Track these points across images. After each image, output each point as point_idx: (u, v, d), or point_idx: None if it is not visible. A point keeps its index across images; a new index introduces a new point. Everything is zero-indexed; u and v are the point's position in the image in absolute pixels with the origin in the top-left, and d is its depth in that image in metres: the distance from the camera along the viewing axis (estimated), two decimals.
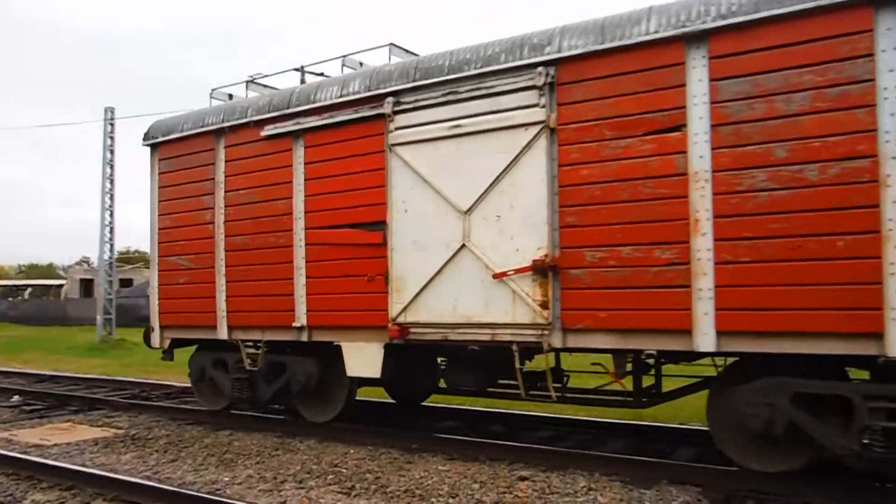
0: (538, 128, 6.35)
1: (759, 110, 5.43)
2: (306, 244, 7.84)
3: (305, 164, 7.88)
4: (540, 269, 6.27)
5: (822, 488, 5.64)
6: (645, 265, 5.85)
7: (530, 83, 6.38)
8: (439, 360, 8.19)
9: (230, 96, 9.58)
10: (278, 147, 8.09)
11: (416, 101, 7.08)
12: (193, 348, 9.58)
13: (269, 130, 8.14)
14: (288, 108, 8.01)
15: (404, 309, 7.09)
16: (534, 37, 6.51)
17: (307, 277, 7.82)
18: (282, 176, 8.06)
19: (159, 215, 9.28)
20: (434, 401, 9.91)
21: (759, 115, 5.43)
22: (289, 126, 7.96)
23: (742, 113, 5.48)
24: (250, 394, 8.55)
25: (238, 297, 8.39)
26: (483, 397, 7.96)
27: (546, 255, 6.27)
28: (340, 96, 7.60)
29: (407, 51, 8.13)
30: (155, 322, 9.30)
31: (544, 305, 6.27)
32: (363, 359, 7.46)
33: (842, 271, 5.09)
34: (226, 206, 8.55)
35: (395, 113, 7.17)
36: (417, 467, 6.78)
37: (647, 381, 6.86)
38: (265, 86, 9.28)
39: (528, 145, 6.41)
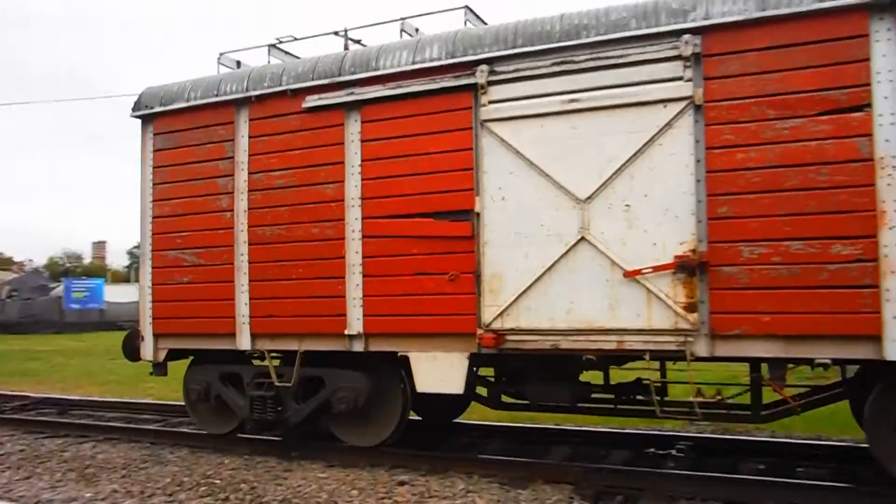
0: (682, 104, 5.49)
1: None
2: (363, 237, 6.57)
3: (363, 141, 6.63)
4: (687, 267, 5.40)
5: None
6: (820, 262, 5.09)
7: (673, 53, 5.50)
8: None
9: (238, 64, 8.10)
10: (325, 121, 6.80)
11: (516, 70, 6.04)
12: (187, 360, 7.98)
13: (312, 101, 6.82)
14: (339, 75, 6.73)
15: (502, 312, 6.02)
16: (671, 1, 5.61)
17: (364, 276, 6.58)
18: (330, 155, 6.77)
19: (153, 201, 7.70)
20: None
21: None
22: (341, 96, 6.69)
23: None
24: (276, 414, 7.15)
25: (266, 300, 7.00)
26: (569, 413, 6.97)
27: (693, 251, 5.39)
28: (413, 63, 6.42)
29: (481, 18, 7.02)
30: (146, 330, 7.71)
31: (690, 308, 5.40)
32: (439, 371, 6.32)
33: None
34: (250, 191, 7.13)
35: (491, 84, 6.07)
36: (295, 475, 6.62)
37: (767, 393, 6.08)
38: (287, 52, 7.89)
39: (669, 124, 5.54)
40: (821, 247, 5.15)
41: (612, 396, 6.53)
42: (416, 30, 7.35)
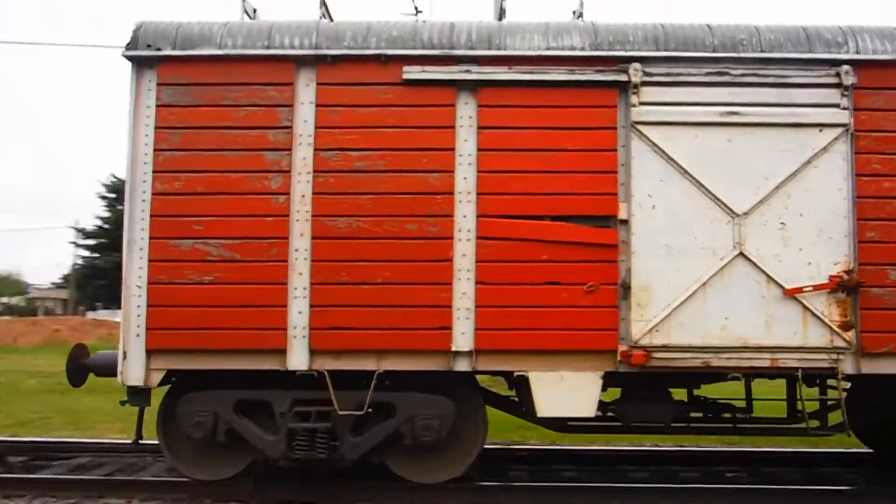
0: (838, 131, 5.83)
1: None
2: (478, 238, 5.78)
3: (480, 128, 5.85)
4: (845, 287, 5.68)
5: None
6: None
7: (833, 81, 5.82)
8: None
9: (252, 13, 6.70)
10: (430, 98, 5.89)
11: (668, 74, 5.88)
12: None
13: (414, 73, 5.86)
14: (452, 48, 5.88)
15: (651, 329, 5.71)
16: (824, 31, 5.97)
17: (478, 283, 5.76)
18: (435, 139, 5.87)
19: (155, 172, 5.88)
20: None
21: None
22: (454, 73, 5.86)
23: None
24: (328, 451, 5.88)
25: (333, 308, 5.76)
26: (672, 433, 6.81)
27: (848, 272, 5.71)
28: (547, 48, 5.88)
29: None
30: (130, 343, 5.82)
31: (845, 327, 5.69)
32: (567, 393, 5.78)
33: None
34: (316, 172, 5.83)
35: (644, 84, 5.82)
36: None
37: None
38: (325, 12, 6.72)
39: (825, 149, 5.82)
40: None
41: (701, 415, 6.46)
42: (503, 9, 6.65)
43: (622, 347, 5.66)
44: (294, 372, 5.72)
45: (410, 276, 5.70)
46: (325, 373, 5.74)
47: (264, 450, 5.89)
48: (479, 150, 5.80)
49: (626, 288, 5.70)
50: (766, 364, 5.67)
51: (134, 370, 5.75)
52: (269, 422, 5.86)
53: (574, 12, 6.37)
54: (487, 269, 5.72)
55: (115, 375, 5.93)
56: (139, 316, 5.75)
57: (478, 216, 5.75)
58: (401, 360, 5.75)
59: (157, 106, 5.87)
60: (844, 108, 5.78)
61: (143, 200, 5.83)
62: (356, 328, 5.68)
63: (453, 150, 5.78)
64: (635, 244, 5.72)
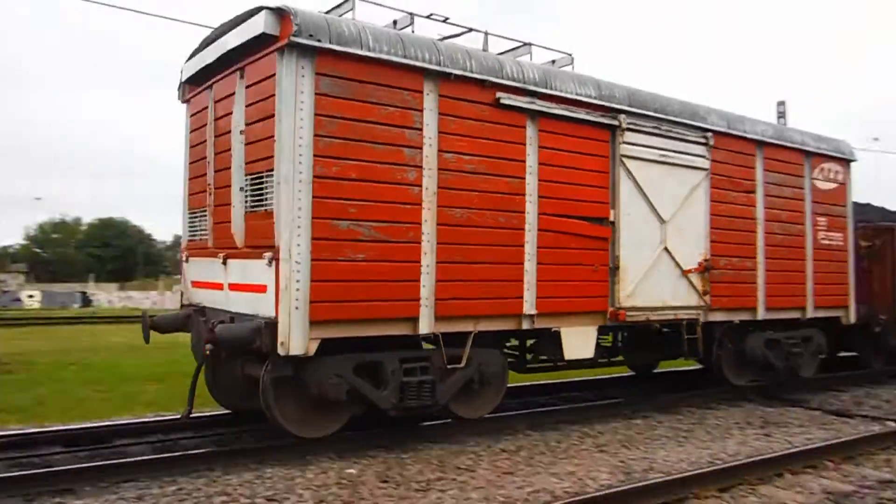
0: (705, 173, 9.96)
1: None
2: (538, 229, 8.42)
3: (539, 147, 8.43)
4: (705, 269, 9.92)
5: None
6: (746, 269, 10.45)
7: (703, 141, 9.91)
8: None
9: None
10: (512, 119, 8.08)
11: (636, 124, 9.17)
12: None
13: (504, 98, 8.09)
14: (525, 83, 8.31)
15: (626, 296, 9.11)
16: (701, 109, 10.04)
17: (538, 263, 8.42)
18: (514, 152, 8.17)
19: (316, 156, 6.92)
20: None
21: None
22: (524, 103, 8.26)
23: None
24: (430, 398, 7.86)
25: (450, 282, 7.74)
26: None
27: (707, 260, 9.97)
28: (576, 94, 8.72)
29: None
30: (293, 316, 6.82)
31: (705, 294, 9.94)
32: (580, 341, 8.81)
33: None
34: (440, 169, 7.63)
35: (626, 129, 9.13)
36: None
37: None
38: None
39: (699, 183, 9.87)
40: (749, 261, 10.26)
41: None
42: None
43: (611, 309, 8.56)
44: (405, 335, 7.12)
45: (500, 257, 7.65)
46: (440, 335, 7.34)
47: (378, 403, 7.16)
48: (539, 163, 8.00)
49: (615, 268, 8.61)
50: (672, 318, 9.20)
51: (296, 341, 6.47)
52: (377, 379, 7.09)
53: (570, 55, 8.90)
54: (543, 253, 8.00)
55: (245, 346, 6.41)
56: (298, 290, 6.48)
57: (538, 213, 7.97)
58: (490, 322, 7.67)
59: (316, 94, 6.58)
60: (707, 159, 9.60)
61: (301, 182, 6.51)
62: (465, 298, 7.41)
63: (525, 161, 7.88)
64: (618, 239, 8.66)
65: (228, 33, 7.16)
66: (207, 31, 7.87)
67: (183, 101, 8.62)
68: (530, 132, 7.66)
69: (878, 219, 13.07)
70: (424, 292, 6.89)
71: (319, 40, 6.28)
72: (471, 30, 7.91)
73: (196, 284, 8.21)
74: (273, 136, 6.44)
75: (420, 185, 6.84)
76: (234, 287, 7.25)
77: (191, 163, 8.39)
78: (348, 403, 6.86)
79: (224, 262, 7.37)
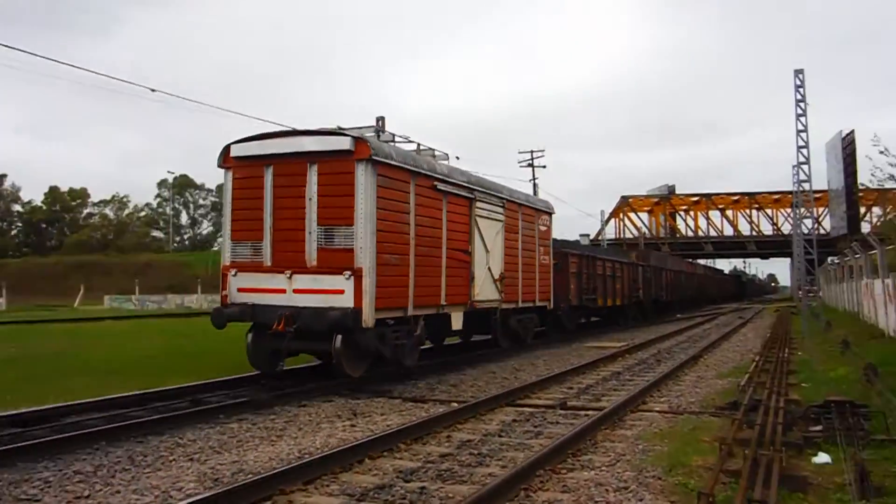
0: (501, 223, 18.14)
1: None
2: (447, 257, 15.60)
3: (447, 210, 15.61)
4: (501, 278, 18.04)
5: None
6: (516, 277, 18.91)
7: (502, 205, 18.08)
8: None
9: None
10: (439, 196, 15.13)
11: (480, 198, 16.88)
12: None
13: (439, 185, 15.07)
14: (445, 176, 15.45)
15: (476, 294, 16.75)
16: (498, 185, 18.12)
17: (447, 276, 15.64)
18: (439, 213, 15.29)
19: (378, 219, 13.33)
20: None
21: None
22: (443, 187, 15.14)
23: None
24: (406, 354, 14.63)
25: (421, 287, 14.63)
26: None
27: (503, 273, 18.09)
28: (459, 181, 16.03)
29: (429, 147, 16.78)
30: (367, 305, 13.09)
31: (501, 292, 18.05)
32: (458, 319, 15.97)
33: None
34: (416, 224, 14.43)
35: (476, 199, 16.76)
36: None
37: None
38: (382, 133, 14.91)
39: (499, 230, 17.99)
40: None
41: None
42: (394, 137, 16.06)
43: (469, 301, 15.96)
44: (401, 316, 13.72)
45: (437, 273, 14.55)
46: (419, 315, 14.01)
47: (384, 354, 13.57)
48: (447, 219, 15.08)
49: (472, 278, 16.06)
50: (488, 307, 16.94)
51: (369, 320, 12.44)
52: (383, 342, 13.40)
53: (447, 153, 16.07)
54: (454, 269, 15.10)
55: (337, 324, 11.85)
56: (369, 292, 12.67)
57: (446, 248, 15.02)
58: (431, 308, 14.53)
59: (377, 186, 12.80)
60: (502, 215, 17.60)
61: (372, 232, 12.64)
62: (426, 296, 14.17)
63: (441, 218, 14.87)
64: (473, 262, 16.10)
65: (304, 138, 12.58)
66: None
67: (223, 167, 13.46)
68: (444, 202, 14.44)
69: (559, 247, 22.44)
70: (411, 293, 13.26)
71: (378, 157, 12.33)
72: (419, 144, 14.29)
73: (242, 290, 13.22)
74: (350, 206, 12.20)
75: (409, 234, 13.22)
76: (300, 291, 12.70)
77: (236, 210, 13.30)
78: (373, 355, 12.62)
79: (290, 276, 12.76)
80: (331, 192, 12.05)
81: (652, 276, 35.19)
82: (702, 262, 75.62)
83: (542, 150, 53.38)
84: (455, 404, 10.67)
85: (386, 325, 12.36)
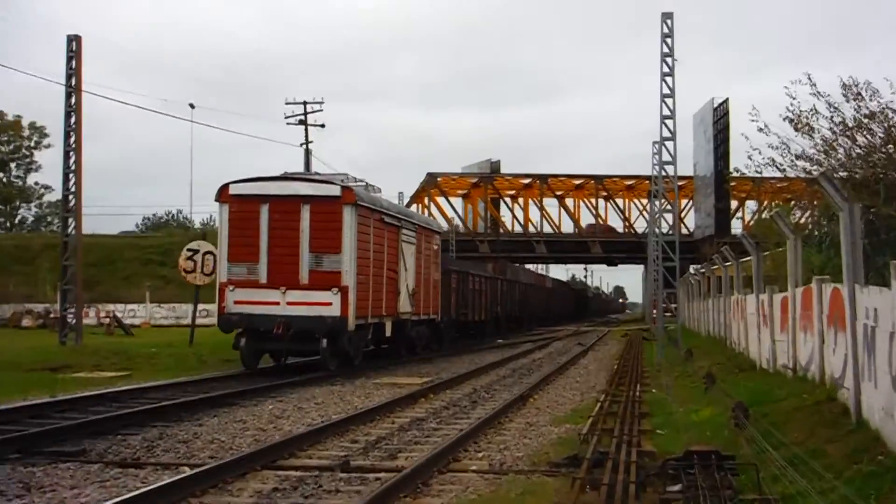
0: (414, 247, 23.17)
1: None
2: (386, 277, 20.41)
3: (399, 240, 20.53)
4: (413, 292, 23.04)
5: None
6: (422, 292, 24.03)
7: (414, 230, 23.11)
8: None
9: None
10: (385, 227, 20.12)
11: (405, 226, 21.94)
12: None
13: (386, 219, 19.99)
14: (384, 210, 20.29)
15: (401, 306, 21.67)
16: (430, 220, 23.16)
17: (387, 292, 20.46)
18: (384, 241, 20.19)
19: (357, 248, 18.11)
20: None
21: None
22: (387, 219, 20.33)
23: None
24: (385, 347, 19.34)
25: (392, 300, 19.36)
26: None
27: (416, 288, 23.08)
28: (402, 215, 21.00)
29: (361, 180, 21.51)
30: (352, 314, 17.84)
31: (414, 305, 23.07)
32: (390, 327, 20.97)
33: None
34: (374, 251, 19.23)
35: (401, 227, 21.69)
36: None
37: None
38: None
39: (412, 253, 23.09)
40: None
41: None
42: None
43: (396, 312, 20.86)
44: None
45: (383, 288, 19.33)
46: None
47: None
48: (386, 245, 19.88)
49: (398, 293, 20.92)
50: (408, 318, 21.93)
51: (352, 325, 17.33)
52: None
53: (379, 187, 20.83)
54: (390, 285, 19.89)
55: (325, 329, 16.89)
56: (352, 304, 17.21)
57: (386, 269, 19.80)
58: (390, 317, 19.26)
59: (357, 223, 17.42)
60: (415, 239, 22.61)
61: (351, 259, 17.35)
62: (380, 307, 18.88)
63: (383, 244, 19.66)
64: (399, 278, 20.99)
65: (298, 183, 16.92)
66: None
67: (220, 202, 17.20)
68: (385, 232, 19.29)
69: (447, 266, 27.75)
70: (370, 305, 17.93)
71: (360, 202, 16.93)
72: (372, 185, 18.89)
73: (238, 302, 17.08)
74: (338, 239, 16.71)
75: (370, 258, 17.87)
76: (293, 303, 16.88)
77: (233, 237, 17.09)
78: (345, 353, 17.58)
79: (284, 292, 16.83)
80: (321, 227, 16.89)
81: (508, 291, 38.34)
82: (531, 267, 64.76)
83: (321, 102, 37.39)
84: (187, 469, 8.36)
85: (356, 330, 16.83)
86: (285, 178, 18.64)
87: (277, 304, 17.58)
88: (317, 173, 21.79)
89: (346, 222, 17.59)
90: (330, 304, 17.45)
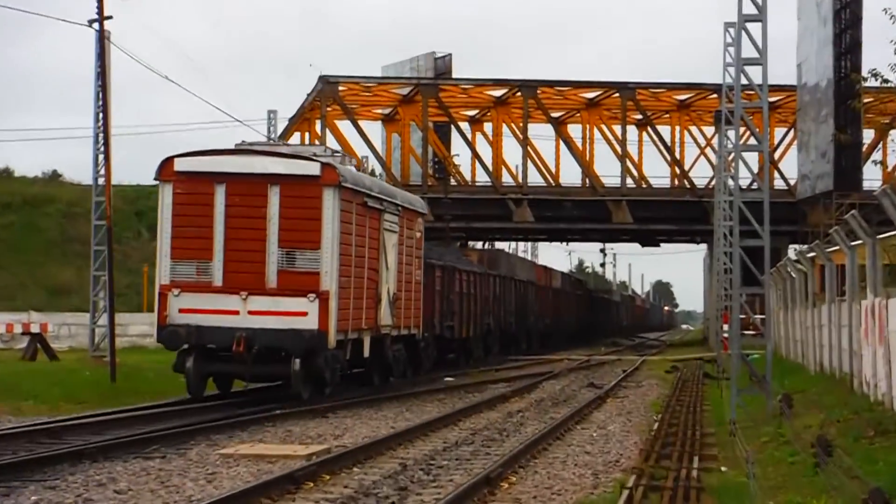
0: (397, 235, 19.76)
1: None
2: (367, 279, 16.98)
3: (383, 229, 17.07)
4: (395, 298, 19.64)
5: None
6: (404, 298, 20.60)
7: (397, 213, 19.67)
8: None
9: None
10: (369, 212, 16.68)
11: (388, 210, 18.49)
12: None
13: (369, 202, 16.56)
14: (367, 188, 16.83)
15: (381, 318, 18.25)
16: (412, 198, 19.72)
17: (374, 300, 17.03)
18: (373, 234, 16.77)
19: (342, 244, 14.60)
20: None
21: None
22: (370, 202, 16.83)
23: None
24: None
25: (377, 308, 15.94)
26: None
27: (396, 293, 19.68)
28: (387, 196, 17.59)
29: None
30: (333, 328, 14.42)
31: (393, 315, 19.67)
32: (369, 343, 17.60)
33: None
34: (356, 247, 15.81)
35: (384, 211, 18.27)
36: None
37: None
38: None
39: (394, 244, 19.66)
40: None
41: None
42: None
43: (376, 325, 17.44)
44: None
45: (364, 294, 15.89)
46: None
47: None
48: (380, 239, 16.43)
49: (378, 300, 17.49)
50: (388, 332, 18.50)
51: (332, 342, 13.98)
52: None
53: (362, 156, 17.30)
54: (370, 290, 16.45)
55: (299, 346, 13.66)
56: (334, 314, 13.78)
57: (367, 268, 16.37)
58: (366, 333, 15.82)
59: (341, 210, 13.97)
60: (398, 224, 19.18)
61: (333, 257, 13.99)
62: (360, 318, 15.43)
63: (378, 237, 16.23)
64: (380, 279, 17.57)
65: (265, 159, 13.34)
66: None
67: (160, 180, 13.49)
68: (367, 219, 15.96)
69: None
70: (350, 315, 14.51)
71: (344, 183, 13.49)
72: (338, 153, 15.58)
73: (185, 311, 13.46)
74: (316, 230, 13.21)
75: (352, 255, 14.60)
76: (256, 312, 13.36)
77: (178, 227, 13.43)
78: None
79: (245, 298, 13.30)
80: (295, 215, 13.37)
81: (502, 293, 26.98)
82: (504, 247, 46.50)
83: None
84: None
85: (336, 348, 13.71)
86: (248, 150, 15.50)
87: (236, 313, 14.52)
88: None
89: (326, 209, 14.45)
90: (305, 313, 14.34)
